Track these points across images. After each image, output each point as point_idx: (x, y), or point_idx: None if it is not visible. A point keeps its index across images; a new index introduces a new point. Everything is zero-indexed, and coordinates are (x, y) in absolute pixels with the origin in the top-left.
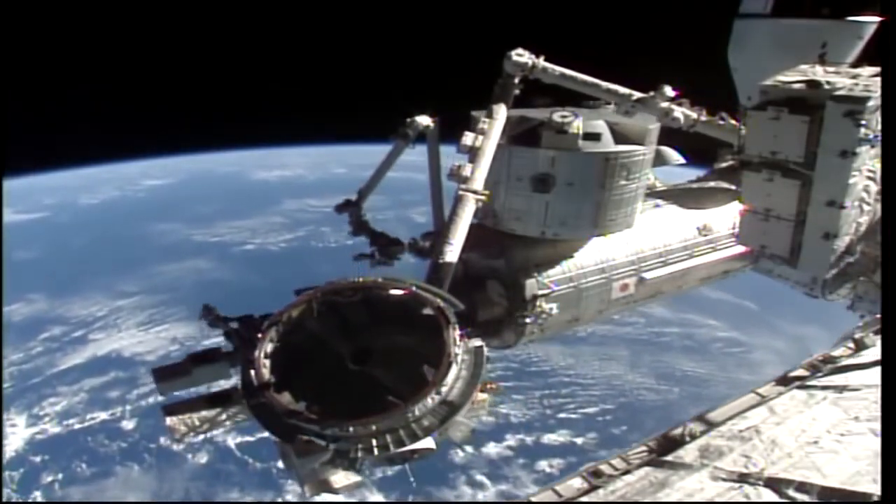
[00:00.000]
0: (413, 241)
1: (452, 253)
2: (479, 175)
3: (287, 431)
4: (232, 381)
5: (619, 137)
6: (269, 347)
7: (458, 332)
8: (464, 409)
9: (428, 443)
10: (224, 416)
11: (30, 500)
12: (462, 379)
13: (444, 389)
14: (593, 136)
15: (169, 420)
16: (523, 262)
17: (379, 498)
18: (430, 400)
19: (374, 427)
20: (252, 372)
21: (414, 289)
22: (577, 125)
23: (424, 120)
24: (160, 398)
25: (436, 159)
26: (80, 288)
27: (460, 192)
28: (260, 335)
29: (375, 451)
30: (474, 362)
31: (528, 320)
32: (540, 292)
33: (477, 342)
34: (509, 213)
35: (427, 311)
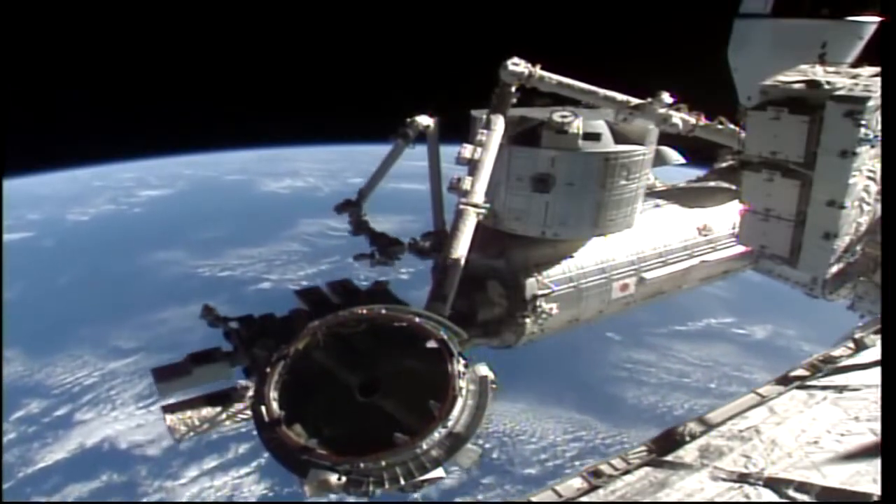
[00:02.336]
0: (413, 242)
1: (455, 268)
2: (479, 188)
3: (300, 467)
4: (232, 381)
5: (619, 137)
6: (277, 381)
7: (462, 364)
8: (471, 438)
9: (437, 472)
10: (224, 416)
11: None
12: (468, 409)
13: (450, 423)
14: (593, 136)
15: (169, 419)
16: (523, 262)
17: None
18: (437, 434)
19: (383, 462)
20: (262, 408)
21: (417, 320)
22: (577, 125)
23: (424, 120)
24: None
25: (436, 159)
26: (64, 341)
27: (461, 207)
28: (268, 369)
29: (386, 483)
30: (479, 391)
31: (527, 320)
32: (540, 292)
33: (483, 370)
34: (509, 213)
35: (431, 343)
